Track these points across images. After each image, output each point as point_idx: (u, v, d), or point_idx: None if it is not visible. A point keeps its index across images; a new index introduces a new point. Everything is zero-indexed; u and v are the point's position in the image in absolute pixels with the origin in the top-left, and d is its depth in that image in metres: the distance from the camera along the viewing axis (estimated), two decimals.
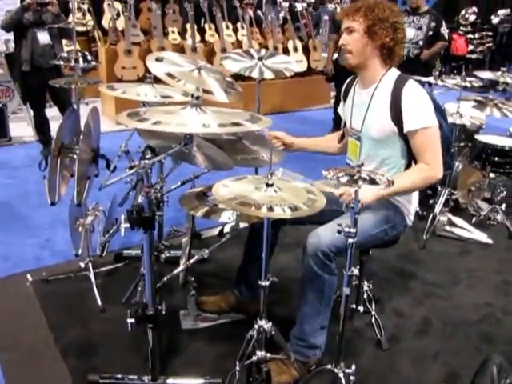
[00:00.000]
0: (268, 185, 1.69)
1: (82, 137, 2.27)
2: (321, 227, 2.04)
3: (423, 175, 2.04)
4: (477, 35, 10.00)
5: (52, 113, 4.92)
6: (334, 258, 1.98)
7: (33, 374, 2.15)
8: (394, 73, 2.12)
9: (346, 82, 2.36)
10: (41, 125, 4.79)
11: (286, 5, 8.18)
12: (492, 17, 9.88)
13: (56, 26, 4.15)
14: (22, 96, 5.05)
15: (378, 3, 2.05)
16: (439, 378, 2.20)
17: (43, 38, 4.36)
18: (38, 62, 4.37)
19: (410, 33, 4.81)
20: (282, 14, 8.25)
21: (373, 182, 1.58)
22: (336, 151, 2.47)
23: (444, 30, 4.87)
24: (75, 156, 2.29)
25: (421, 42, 4.84)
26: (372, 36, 2.02)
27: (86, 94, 6.47)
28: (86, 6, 7.03)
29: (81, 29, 6.57)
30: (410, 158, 2.13)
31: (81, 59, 2.84)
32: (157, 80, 2.25)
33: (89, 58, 2.89)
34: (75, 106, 2.67)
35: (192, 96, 1.78)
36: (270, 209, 1.59)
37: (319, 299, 2.04)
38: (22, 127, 5.75)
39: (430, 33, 4.84)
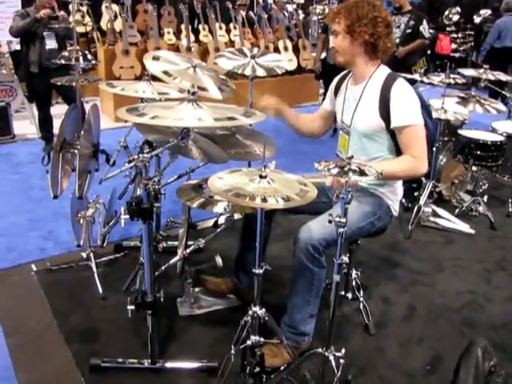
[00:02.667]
0: (261, 177, 1.72)
1: (82, 132, 2.35)
2: (312, 221, 2.08)
3: (410, 166, 2.08)
4: (460, 34, 10.09)
5: (54, 111, 4.97)
6: (324, 251, 2.04)
7: (38, 358, 2.22)
8: (385, 70, 2.18)
9: (338, 77, 2.41)
10: (45, 122, 4.85)
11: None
12: (474, 16, 9.97)
13: (58, 28, 4.25)
14: (28, 95, 5.11)
15: (358, 2, 2.09)
16: (424, 361, 2.28)
17: (50, 43, 4.46)
18: (45, 63, 4.46)
19: None
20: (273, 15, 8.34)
21: (362, 173, 1.62)
22: (318, 132, 2.52)
23: (423, 29, 4.83)
24: (76, 151, 2.36)
25: (397, 40, 4.82)
26: (352, 35, 2.08)
27: (85, 93, 6.50)
28: (85, 8, 7.05)
29: (80, 30, 6.61)
30: (397, 154, 2.18)
31: (81, 58, 2.90)
32: (154, 78, 2.32)
33: (89, 57, 2.94)
34: (76, 104, 2.72)
35: (188, 92, 1.83)
36: (264, 199, 1.61)
37: (309, 291, 2.11)
38: (25, 125, 5.80)
39: (409, 31, 4.82)
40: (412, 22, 4.80)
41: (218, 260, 2.45)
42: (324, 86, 6.18)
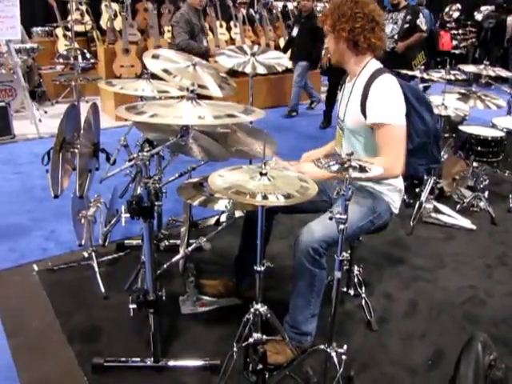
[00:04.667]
0: (262, 174, 1.72)
1: (82, 131, 2.34)
2: (313, 222, 2.08)
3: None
4: (460, 31, 10.06)
5: (54, 111, 4.95)
6: (324, 253, 2.04)
7: (40, 358, 2.21)
8: (373, 66, 2.14)
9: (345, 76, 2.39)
10: None
11: (278, 4, 8.26)
12: (475, 13, 9.94)
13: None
14: None
15: (342, 0, 2.08)
16: (426, 356, 2.29)
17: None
18: None
19: (388, 28, 4.82)
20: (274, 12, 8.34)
21: (362, 170, 1.62)
22: None
23: (420, 22, 4.83)
24: (76, 150, 2.36)
25: (396, 36, 4.85)
26: (335, 34, 2.09)
27: (85, 92, 6.50)
28: (84, 7, 7.07)
29: (80, 29, 6.61)
30: None
31: (80, 57, 2.88)
32: (154, 76, 2.32)
33: (87, 55, 2.93)
34: (75, 103, 2.71)
35: (187, 89, 1.82)
36: (265, 197, 1.61)
37: (310, 292, 2.11)
38: (25, 125, 5.77)
39: (406, 25, 4.82)
40: (409, 17, 4.82)
41: (206, 245, 2.42)
42: (328, 82, 6.15)
